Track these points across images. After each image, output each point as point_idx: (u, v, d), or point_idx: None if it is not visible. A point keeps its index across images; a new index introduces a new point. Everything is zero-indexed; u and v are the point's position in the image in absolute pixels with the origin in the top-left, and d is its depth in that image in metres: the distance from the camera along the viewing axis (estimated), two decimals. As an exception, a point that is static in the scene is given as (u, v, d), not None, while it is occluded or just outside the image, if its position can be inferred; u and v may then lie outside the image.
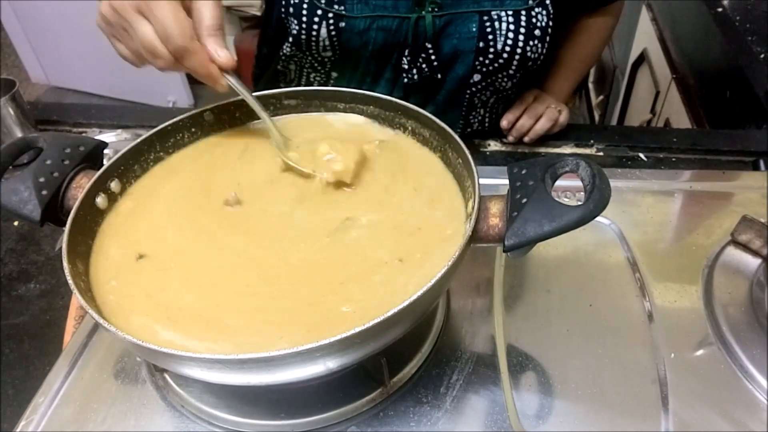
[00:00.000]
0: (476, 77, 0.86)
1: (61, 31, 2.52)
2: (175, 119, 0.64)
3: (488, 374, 0.60)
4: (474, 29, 0.81)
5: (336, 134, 0.65)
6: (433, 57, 0.83)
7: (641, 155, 0.97)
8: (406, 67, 0.85)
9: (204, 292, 0.51)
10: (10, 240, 0.88)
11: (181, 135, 0.65)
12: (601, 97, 2.10)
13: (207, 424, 0.57)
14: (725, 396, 0.59)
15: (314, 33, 0.81)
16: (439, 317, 0.65)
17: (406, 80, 0.86)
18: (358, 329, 0.42)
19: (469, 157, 0.55)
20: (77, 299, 0.46)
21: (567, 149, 0.99)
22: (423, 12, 0.80)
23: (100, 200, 0.57)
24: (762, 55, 1.14)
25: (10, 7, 2.56)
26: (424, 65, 0.84)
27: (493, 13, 0.81)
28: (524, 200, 0.48)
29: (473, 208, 0.50)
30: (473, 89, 0.89)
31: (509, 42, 0.82)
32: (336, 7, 0.79)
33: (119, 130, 1.03)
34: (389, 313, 0.42)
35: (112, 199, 0.59)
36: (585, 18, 0.98)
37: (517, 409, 0.58)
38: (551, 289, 0.69)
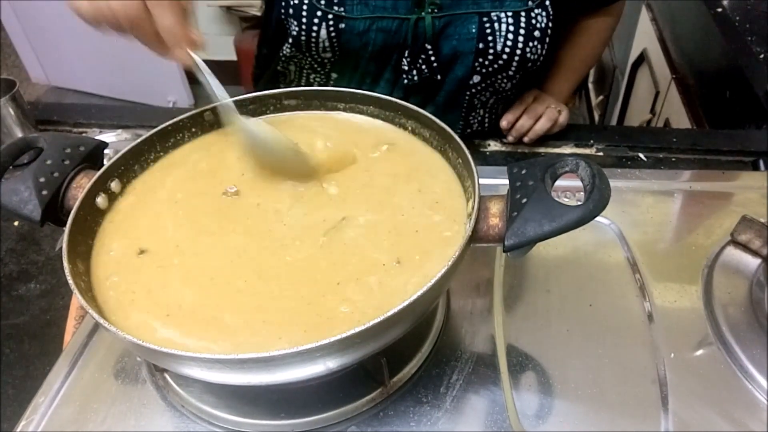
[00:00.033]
0: (476, 78, 0.86)
1: (61, 31, 2.52)
2: (175, 119, 0.64)
3: (488, 374, 0.60)
4: (473, 30, 0.81)
5: (347, 129, 0.65)
6: (432, 58, 0.83)
7: (641, 155, 0.97)
8: (405, 68, 0.85)
9: (203, 290, 0.51)
10: (10, 240, 0.88)
11: (181, 135, 0.65)
12: (600, 97, 2.09)
13: (207, 424, 0.57)
14: (725, 396, 0.59)
15: (314, 34, 0.81)
16: (439, 317, 0.65)
17: (405, 81, 0.86)
18: (358, 329, 0.42)
19: (469, 157, 0.55)
20: (77, 299, 0.46)
21: (567, 149, 0.99)
22: (422, 13, 0.80)
23: (101, 200, 0.57)
24: (762, 55, 1.14)
25: (10, 7, 2.56)
26: (423, 66, 0.84)
27: (492, 14, 0.81)
28: (524, 200, 0.48)
29: (473, 208, 0.50)
30: (473, 90, 0.89)
31: (509, 43, 0.82)
32: (336, 8, 0.79)
33: (119, 130, 1.03)
34: (389, 314, 0.42)
35: (113, 198, 0.59)
36: (585, 19, 0.98)
37: (517, 409, 0.58)
38: (551, 289, 0.69)
